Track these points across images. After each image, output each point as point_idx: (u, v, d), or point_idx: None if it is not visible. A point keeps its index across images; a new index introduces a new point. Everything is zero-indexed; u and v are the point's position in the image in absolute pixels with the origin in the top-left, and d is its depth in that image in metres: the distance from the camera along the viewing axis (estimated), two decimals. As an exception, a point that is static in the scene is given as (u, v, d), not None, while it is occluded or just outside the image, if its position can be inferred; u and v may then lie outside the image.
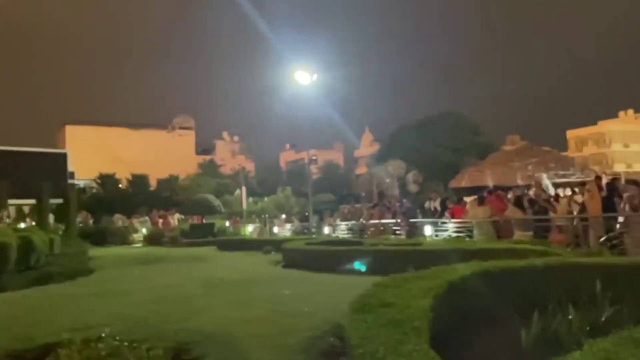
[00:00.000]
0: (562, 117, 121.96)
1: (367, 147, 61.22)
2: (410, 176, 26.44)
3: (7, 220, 16.83)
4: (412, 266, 5.42)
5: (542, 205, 11.40)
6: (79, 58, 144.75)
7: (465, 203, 14.48)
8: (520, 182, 17.71)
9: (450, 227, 12.86)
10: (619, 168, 49.34)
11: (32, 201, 20.91)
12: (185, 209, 29.80)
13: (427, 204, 15.66)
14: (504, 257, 5.61)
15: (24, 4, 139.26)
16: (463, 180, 20.87)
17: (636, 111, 67.66)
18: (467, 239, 11.63)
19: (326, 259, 9.68)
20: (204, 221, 26.00)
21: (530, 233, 10.58)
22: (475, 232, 11.77)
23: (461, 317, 4.21)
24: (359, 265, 7.60)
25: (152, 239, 22.45)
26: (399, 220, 14.41)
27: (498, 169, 19.56)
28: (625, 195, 9.40)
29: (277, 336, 4.36)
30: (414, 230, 13.68)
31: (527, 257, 5.81)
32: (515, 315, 3.98)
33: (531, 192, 13.11)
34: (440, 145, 34.42)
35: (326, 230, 17.50)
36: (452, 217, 13.56)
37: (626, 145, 62.52)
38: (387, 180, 25.57)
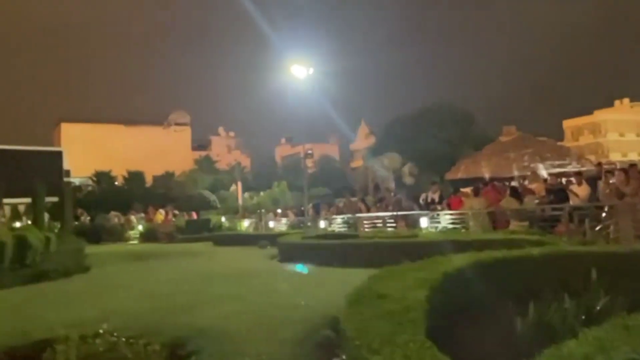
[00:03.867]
0: (558, 107, 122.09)
1: (362, 140, 61.18)
2: (406, 169, 26.43)
3: (2, 220, 16.77)
4: (407, 258, 5.42)
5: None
6: (73, 55, 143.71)
7: (462, 194, 14.52)
8: (516, 172, 17.76)
9: (446, 218, 12.89)
10: (615, 157, 49.58)
11: (28, 200, 20.79)
12: (181, 205, 29.80)
13: (423, 196, 15.67)
14: (500, 248, 5.62)
15: (17, 1, 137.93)
16: (459, 172, 20.90)
17: (632, 100, 67.91)
18: (463, 230, 11.67)
19: (322, 252, 9.69)
20: (198, 217, 26.04)
21: (526, 223, 10.62)
22: (471, 223, 11.81)
23: (457, 308, 4.23)
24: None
25: (148, 236, 22.41)
26: (394, 213, 14.43)
27: (494, 160, 19.58)
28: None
29: (273, 329, 4.37)
30: (409, 223, 13.71)
31: (523, 247, 5.83)
32: (511, 304, 3.99)
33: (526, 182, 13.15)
34: (435, 137, 34.44)
35: (322, 224, 17.50)
36: (449, 208, 13.60)
37: (622, 135, 62.87)
38: (383, 173, 25.54)
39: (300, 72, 20.73)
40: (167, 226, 23.59)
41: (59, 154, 23.75)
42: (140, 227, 25.64)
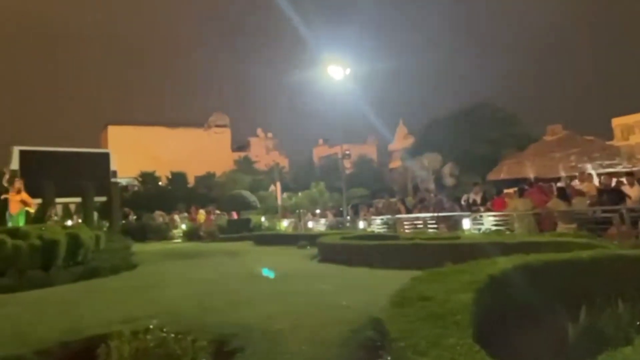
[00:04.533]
0: (607, 105, 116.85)
1: (401, 140, 60.51)
2: (446, 169, 25.97)
3: (55, 218, 17.59)
4: (450, 260, 5.35)
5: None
6: (119, 61, 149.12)
7: (505, 195, 14.15)
8: (562, 173, 17.12)
9: (490, 220, 12.59)
10: (669, 157, 46.90)
11: (78, 199, 21.77)
12: (222, 205, 30.38)
13: (464, 197, 15.37)
14: (547, 251, 5.45)
15: (65, 11, 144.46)
16: (502, 173, 20.32)
17: (687, 97, 64.21)
18: (508, 232, 11.36)
19: (362, 253, 9.66)
20: (239, 216, 26.47)
21: (574, 225, 10.24)
22: (515, 225, 11.48)
23: (503, 312, 4.12)
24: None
25: (191, 235, 23.00)
26: (435, 215, 14.21)
27: (538, 160, 18.92)
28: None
29: (315, 329, 4.39)
30: (451, 224, 13.47)
31: (571, 250, 5.62)
32: (561, 310, 3.86)
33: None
34: (476, 137, 33.67)
35: (361, 224, 17.44)
36: (492, 210, 13.27)
37: (676, 133, 59.52)
38: (422, 174, 25.21)
39: (337, 72, 20.75)
40: (209, 225, 24.12)
41: (106, 156, 24.81)
42: (183, 226, 26.34)
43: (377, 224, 16.55)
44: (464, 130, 33.99)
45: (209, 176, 55.35)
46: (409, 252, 8.94)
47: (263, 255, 12.74)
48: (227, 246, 16.38)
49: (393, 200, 19.67)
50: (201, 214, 29.27)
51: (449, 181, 25.35)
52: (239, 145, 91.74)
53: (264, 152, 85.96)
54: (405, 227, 14.79)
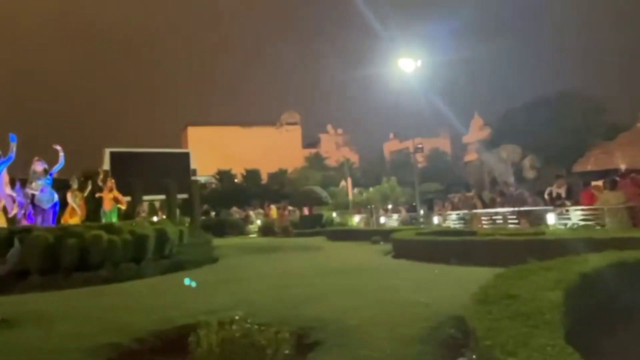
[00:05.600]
0: None
1: (476, 132, 58.21)
2: (527, 161, 24.63)
3: (143, 215, 18.87)
4: (533, 257, 5.11)
5: None
6: (196, 65, 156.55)
7: (594, 188, 13.18)
8: (658, 163, 15.65)
9: (577, 215, 11.79)
10: None
11: (162, 197, 23.17)
12: (294, 201, 31.01)
13: (547, 191, 14.50)
14: (644, 248, 5.03)
15: (148, 18, 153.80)
16: (589, 164, 18.94)
17: None
18: (598, 227, 10.59)
19: (437, 249, 9.45)
20: (310, 212, 26.88)
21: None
22: (607, 220, 10.67)
23: (596, 312, 3.87)
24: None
25: (265, 230, 23.70)
26: (515, 209, 13.53)
27: (630, 149, 17.43)
28: None
29: (393, 325, 4.36)
30: (533, 219, 12.77)
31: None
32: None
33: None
34: (558, 127, 31.63)
35: (435, 220, 17.04)
36: (579, 204, 12.42)
37: None
38: (500, 167, 24.08)
39: (408, 65, 20.37)
40: (282, 221, 24.71)
41: (186, 155, 26.19)
42: (258, 222, 27.20)
43: (453, 220, 16.07)
44: (545, 119, 32.04)
45: (281, 173, 56.68)
46: (488, 248, 8.63)
47: (337, 251, 12.85)
48: (301, 241, 16.71)
49: (469, 194, 19.01)
50: (273, 210, 30.06)
51: (530, 174, 24.04)
52: (310, 141, 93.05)
53: (334, 148, 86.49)
54: (483, 222, 14.23)
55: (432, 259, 8.89)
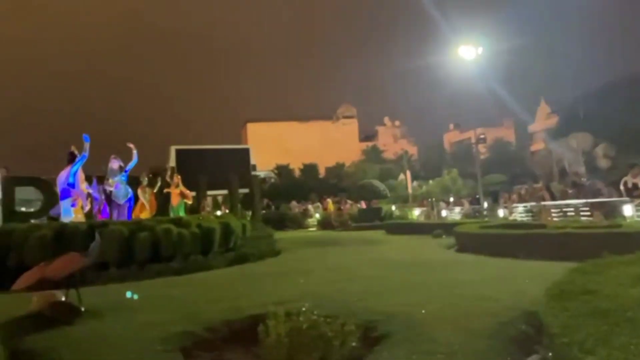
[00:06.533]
0: None
1: (542, 120, 55.49)
2: (599, 150, 23.19)
3: (208, 209, 19.61)
4: (610, 251, 4.84)
5: None
6: (253, 62, 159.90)
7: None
8: None
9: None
10: None
11: (224, 192, 23.96)
12: (352, 195, 31.03)
13: (623, 181, 13.58)
14: None
15: (205, 19, 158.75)
16: (670, 151, 17.56)
17: None
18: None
19: (504, 243, 9.14)
20: (368, 206, 26.77)
21: None
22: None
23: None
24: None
25: (324, 224, 23.89)
26: (588, 201, 12.79)
27: None
28: None
29: (461, 320, 4.28)
30: (608, 211, 12.02)
31: None
32: None
33: None
34: (632, 113, 29.50)
35: (501, 213, 16.44)
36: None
37: None
38: (570, 156, 22.82)
39: (468, 53, 19.72)
40: (341, 215, 24.81)
41: (247, 151, 26.92)
42: (317, 216, 27.47)
43: (520, 212, 15.43)
44: (619, 105, 29.99)
45: (339, 166, 56.89)
46: (559, 242, 8.25)
47: (398, 244, 12.75)
48: (360, 235, 16.71)
49: (537, 185, 18.18)
50: (332, 203, 30.23)
51: (603, 163, 22.62)
52: (367, 135, 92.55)
53: (391, 141, 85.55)
54: (553, 214, 13.56)
55: (498, 253, 8.62)
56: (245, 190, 23.22)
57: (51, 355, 3.84)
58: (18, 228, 8.91)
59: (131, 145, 12.61)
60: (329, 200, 32.47)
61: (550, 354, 2.74)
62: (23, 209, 12.91)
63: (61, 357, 3.79)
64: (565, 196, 14.92)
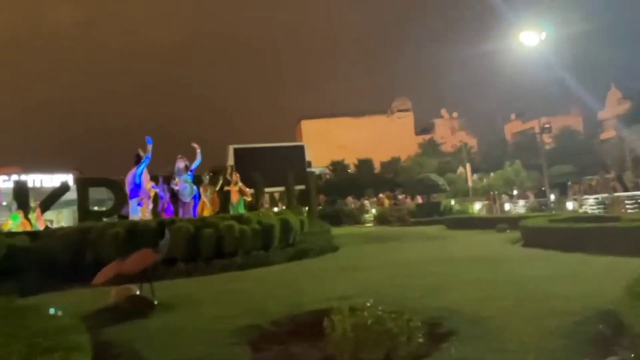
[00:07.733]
0: None
1: (613, 107, 52.10)
2: (680, 136, 21.48)
3: (266, 206, 20.00)
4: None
5: None
6: (308, 60, 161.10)
7: None
8: None
9: None
10: None
11: (281, 188, 24.37)
12: (409, 189, 30.57)
13: None
14: None
15: (261, 20, 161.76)
16: None
17: None
18: None
19: (575, 237, 8.67)
20: (424, 200, 26.27)
21: None
22: None
23: None
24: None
25: (381, 219, 23.72)
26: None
27: None
28: None
29: (531, 318, 4.12)
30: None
31: None
32: None
33: None
34: None
35: (570, 205, 15.61)
36: None
37: None
38: (645, 144, 21.29)
39: (530, 39, 18.85)
40: (398, 210, 24.53)
41: (301, 148, 27.27)
42: (373, 211, 27.32)
43: (591, 205, 14.58)
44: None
45: (394, 161, 56.13)
46: (635, 236, 7.71)
47: (459, 239, 12.43)
48: (419, 230, 16.44)
49: (608, 176, 17.12)
50: (388, 198, 29.94)
51: (684, 150, 20.95)
52: (423, 128, 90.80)
53: (449, 133, 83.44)
54: (627, 206, 12.71)
55: (569, 248, 8.21)
56: (301, 187, 23.48)
57: (130, 347, 4.07)
58: (95, 227, 9.51)
59: (195, 145, 13.06)
60: (382, 196, 32.16)
61: (632, 355, 2.57)
62: (96, 208, 13.74)
63: (139, 349, 4.00)
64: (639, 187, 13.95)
